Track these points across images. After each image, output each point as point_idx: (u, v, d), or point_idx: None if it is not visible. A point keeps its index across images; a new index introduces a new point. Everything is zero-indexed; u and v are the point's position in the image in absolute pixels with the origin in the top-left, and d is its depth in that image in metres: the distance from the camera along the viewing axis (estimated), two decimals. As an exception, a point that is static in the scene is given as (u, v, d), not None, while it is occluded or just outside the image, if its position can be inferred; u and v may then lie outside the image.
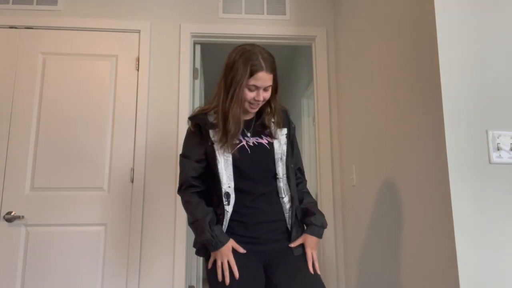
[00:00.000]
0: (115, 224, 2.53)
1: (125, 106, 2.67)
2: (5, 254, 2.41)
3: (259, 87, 1.55)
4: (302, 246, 1.59)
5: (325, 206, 2.73)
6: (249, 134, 1.63)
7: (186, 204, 1.60)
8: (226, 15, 2.88)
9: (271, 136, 1.64)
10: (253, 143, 1.61)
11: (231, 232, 1.54)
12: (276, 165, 1.60)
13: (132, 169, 2.60)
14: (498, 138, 1.50)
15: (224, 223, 1.53)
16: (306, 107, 3.87)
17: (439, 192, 1.52)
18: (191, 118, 1.65)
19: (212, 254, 1.51)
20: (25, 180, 2.51)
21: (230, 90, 1.56)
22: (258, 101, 1.58)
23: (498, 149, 1.49)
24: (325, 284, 2.64)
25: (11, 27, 2.69)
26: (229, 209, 1.53)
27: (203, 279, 3.42)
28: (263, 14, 2.91)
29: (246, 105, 1.59)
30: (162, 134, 2.67)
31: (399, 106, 1.87)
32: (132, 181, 2.59)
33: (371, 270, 2.19)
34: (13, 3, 2.72)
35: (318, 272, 1.57)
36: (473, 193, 1.46)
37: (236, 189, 1.54)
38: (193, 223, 1.54)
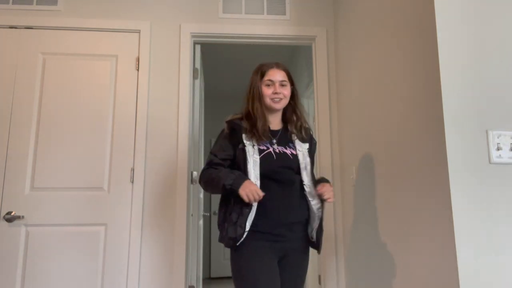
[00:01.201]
0: (115, 224, 2.53)
1: (125, 106, 2.67)
2: (5, 254, 2.41)
3: (273, 81, 1.80)
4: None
5: (325, 205, 2.72)
6: (274, 141, 1.80)
7: (208, 175, 1.77)
8: (226, 15, 2.88)
9: (295, 149, 1.81)
10: (279, 151, 1.77)
11: (255, 230, 1.68)
12: (302, 174, 1.78)
13: (132, 169, 2.60)
14: (498, 138, 1.50)
15: (250, 217, 1.66)
16: (306, 107, 3.87)
17: (439, 192, 1.52)
18: (229, 122, 1.83)
19: (240, 193, 1.63)
20: (25, 180, 2.51)
21: (249, 95, 1.83)
22: (278, 94, 1.78)
23: (498, 149, 1.49)
24: (326, 284, 2.65)
25: (11, 27, 2.69)
26: (254, 204, 1.67)
27: (203, 279, 3.43)
28: (263, 14, 2.91)
29: (268, 101, 1.79)
30: (162, 134, 2.67)
31: (399, 106, 1.88)
32: (132, 181, 2.59)
33: (372, 270, 2.19)
34: (13, 3, 2.72)
35: (330, 200, 1.79)
36: (473, 193, 1.46)
37: (262, 188, 1.68)
38: (215, 178, 1.72)
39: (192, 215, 2.73)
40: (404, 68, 1.84)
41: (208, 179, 1.77)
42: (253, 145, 1.74)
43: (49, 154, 2.55)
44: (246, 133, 1.77)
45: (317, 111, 2.87)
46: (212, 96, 6.15)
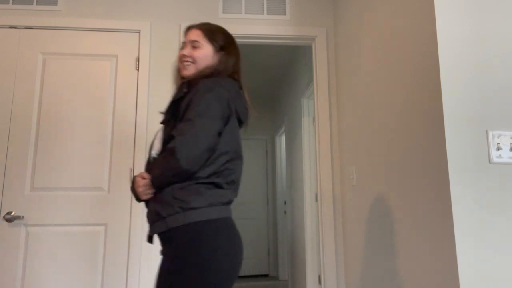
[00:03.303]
0: (115, 224, 2.53)
1: (125, 106, 2.67)
2: (5, 254, 2.41)
3: (186, 42, 1.51)
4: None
5: (325, 206, 2.73)
6: None
7: None
8: (226, 15, 2.88)
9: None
10: None
11: None
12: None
13: (132, 169, 2.60)
14: (498, 138, 1.50)
15: None
16: (306, 107, 3.87)
17: (439, 192, 1.52)
18: None
19: None
20: (25, 180, 2.51)
21: None
22: (183, 56, 1.48)
23: (498, 149, 1.49)
24: (326, 284, 2.65)
25: (11, 27, 2.69)
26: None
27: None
28: (263, 14, 2.91)
29: (180, 66, 1.52)
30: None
31: (399, 106, 1.88)
32: (132, 181, 2.59)
33: (371, 270, 2.19)
34: (13, 3, 2.72)
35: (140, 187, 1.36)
36: (473, 193, 1.46)
37: None
38: None
39: (192, 215, 2.73)
40: (404, 68, 1.84)
41: None
42: None
43: (49, 154, 2.55)
44: None
45: (317, 111, 2.87)
46: (212, 96, 6.14)
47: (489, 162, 1.49)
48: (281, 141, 6.09)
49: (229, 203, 1.38)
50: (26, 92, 2.61)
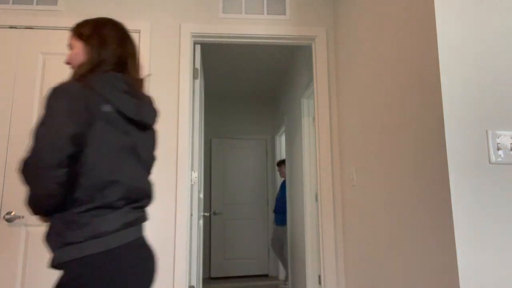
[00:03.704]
0: (115, 224, 2.53)
1: (125, 106, 2.67)
2: (5, 254, 2.41)
3: None
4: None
5: (325, 206, 2.73)
6: None
7: None
8: (226, 15, 2.88)
9: None
10: None
11: None
12: None
13: (132, 169, 2.60)
14: (498, 138, 1.50)
15: None
16: (306, 107, 3.87)
17: (439, 192, 1.52)
18: None
19: None
20: (25, 180, 2.51)
21: None
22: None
23: (498, 149, 1.49)
24: (326, 284, 2.65)
25: (11, 27, 2.69)
26: None
27: (204, 279, 3.43)
28: (263, 14, 2.91)
29: None
30: (162, 134, 2.67)
31: (399, 105, 1.88)
32: (132, 181, 2.59)
33: (371, 270, 2.19)
34: (13, 3, 2.72)
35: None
36: (473, 193, 1.46)
37: None
38: None
39: (192, 215, 2.73)
40: (404, 67, 1.84)
41: None
42: None
43: (49, 154, 2.55)
44: None
45: (317, 111, 2.87)
46: (212, 96, 6.15)
47: (489, 162, 1.49)
48: (281, 141, 6.09)
49: (125, 226, 1.18)
50: (26, 92, 2.61)
